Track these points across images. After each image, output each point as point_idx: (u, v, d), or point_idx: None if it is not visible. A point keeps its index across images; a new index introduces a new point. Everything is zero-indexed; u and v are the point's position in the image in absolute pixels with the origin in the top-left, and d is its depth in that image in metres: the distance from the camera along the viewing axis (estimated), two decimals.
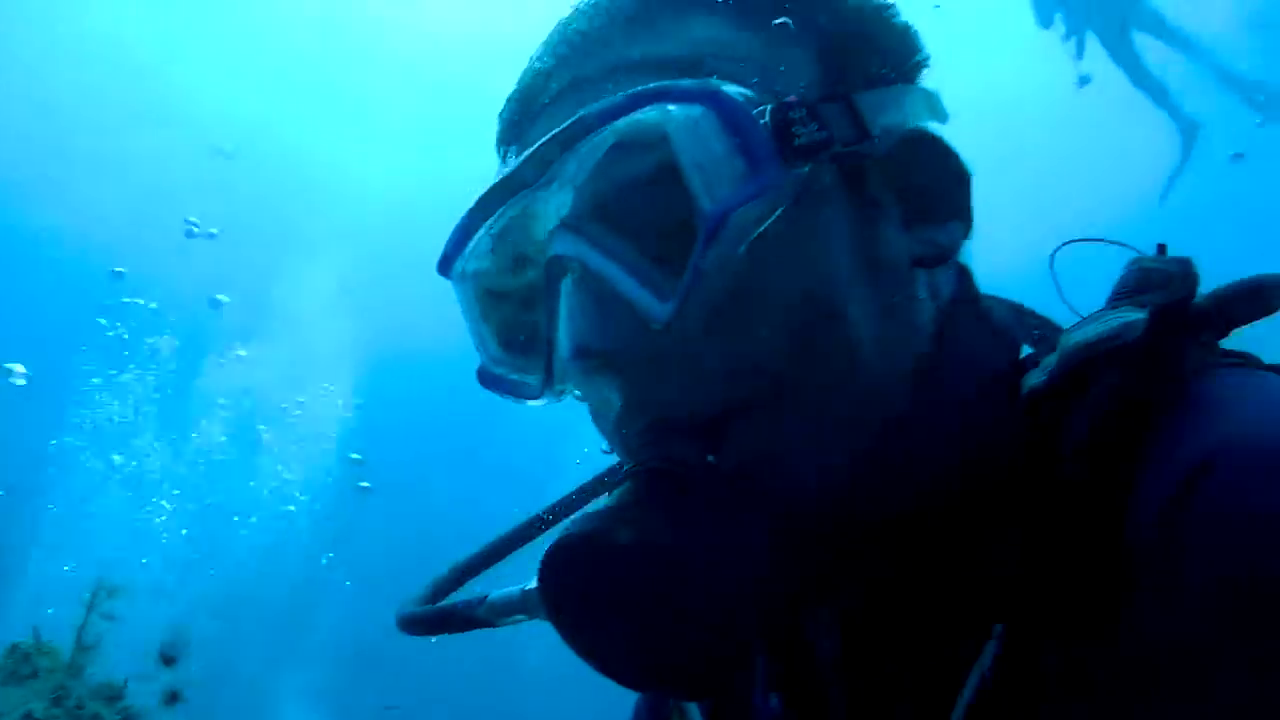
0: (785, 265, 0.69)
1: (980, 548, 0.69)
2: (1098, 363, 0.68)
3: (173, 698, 5.67)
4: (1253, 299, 0.69)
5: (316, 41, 14.62)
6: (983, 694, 0.65)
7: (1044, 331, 0.82)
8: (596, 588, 0.66)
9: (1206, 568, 0.54)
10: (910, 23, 0.80)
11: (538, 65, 0.79)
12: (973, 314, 0.79)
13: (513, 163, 0.73)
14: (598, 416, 0.77)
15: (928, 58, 0.80)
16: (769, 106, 0.67)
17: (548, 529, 1.00)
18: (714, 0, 0.75)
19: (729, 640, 0.65)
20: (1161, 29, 10.06)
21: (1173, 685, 0.55)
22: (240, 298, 12.52)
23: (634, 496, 0.68)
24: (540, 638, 0.78)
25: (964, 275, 0.81)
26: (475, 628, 0.87)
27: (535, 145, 0.70)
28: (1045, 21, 10.01)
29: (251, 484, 11.50)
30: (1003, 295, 0.86)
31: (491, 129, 0.84)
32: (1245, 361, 0.70)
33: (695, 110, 0.67)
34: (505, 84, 0.83)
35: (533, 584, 0.80)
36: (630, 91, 0.68)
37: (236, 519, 10.97)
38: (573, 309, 0.72)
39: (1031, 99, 14.76)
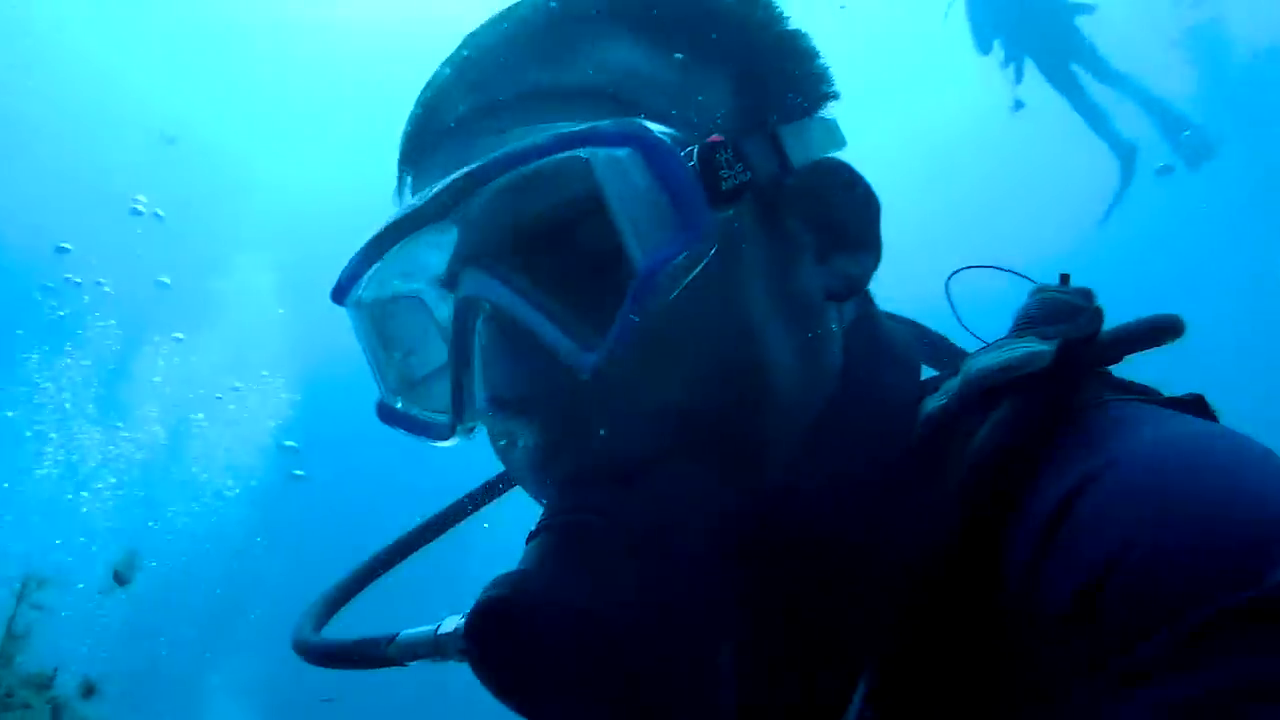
0: (708, 310, 0.68)
1: (861, 576, 0.69)
2: (1000, 391, 0.68)
3: (89, 690, 5.64)
4: (1152, 339, 0.71)
5: (260, 41, 14.50)
6: None
7: (946, 355, 0.85)
8: (527, 658, 0.65)
9: (1069, 575, 0.56)
10: (819, 50, 0.80)
11: (444, 83, 0.76)
12: (875, 340, 0.80)
13: (422, 195, 0.69)
14: (505, 455, 0.76)
15: (836, 90, 0.80)
16: (695, 148, 0.66)
17: (435, 537, 1.02)
18: (629, 24, 0.74)
19: (668, 694, 0.63)
20: (1095, 61, 10.18)
21: (1036, 695, 0.58)
22: (182, 282, 12.41)
23: (556, 553, 0.66)
24: None
25: (865, 299, 0.81)
26: (383, 666, 0.83)
27: (449, 179, 0.67)
28: (984, 47, 10.05)
29: (186, 470, 11.35)
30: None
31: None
32: (1145, 394, 0.71)
33: (621, 153, 0.65)
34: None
35: (446, 628, 0.79)
36: (554, 133, 0.65)
37: (171, 512, 10.82)
38: (488, 354, 0.70)
39: (970, 125, 15.03)
